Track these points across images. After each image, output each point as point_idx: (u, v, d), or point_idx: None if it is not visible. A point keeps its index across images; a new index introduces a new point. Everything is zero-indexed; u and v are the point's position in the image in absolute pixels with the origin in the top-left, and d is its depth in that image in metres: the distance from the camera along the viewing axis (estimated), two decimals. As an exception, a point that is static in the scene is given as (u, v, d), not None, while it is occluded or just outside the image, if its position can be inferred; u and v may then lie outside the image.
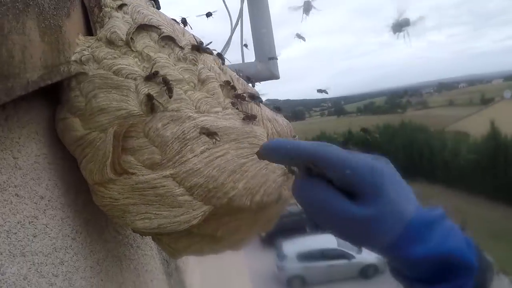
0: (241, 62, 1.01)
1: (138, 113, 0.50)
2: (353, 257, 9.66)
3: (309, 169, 0.42)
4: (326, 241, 10.18)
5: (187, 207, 0.52)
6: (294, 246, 9.93)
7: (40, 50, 0.44)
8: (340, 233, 0.42)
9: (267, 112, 0.61)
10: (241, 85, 0.61)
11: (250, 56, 1.02)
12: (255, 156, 0.52)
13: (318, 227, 0.45)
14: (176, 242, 0.58)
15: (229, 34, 1.00)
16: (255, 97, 0.60)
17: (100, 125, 0.51)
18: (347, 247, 9.90)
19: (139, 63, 0.54)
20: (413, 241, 0.40)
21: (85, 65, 0.52)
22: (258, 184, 0.55)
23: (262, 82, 0.94)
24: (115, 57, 0.53)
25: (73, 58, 0.52)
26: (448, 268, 0.40)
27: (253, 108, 0.58)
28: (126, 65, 0.52)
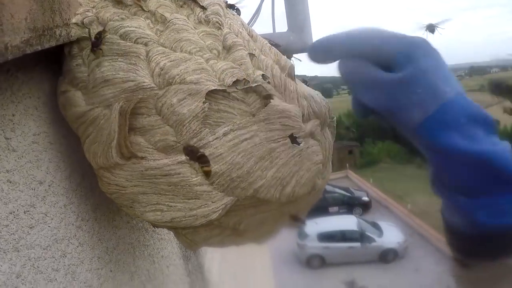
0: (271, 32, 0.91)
1: (148, 86, 0.42)
2: (373, 240, 9.67)
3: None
4: (347, 222, 10.21)
5: (206, 199, 0.44)
6: (315, 225, 10.01)
7: (25, 8, 0.36)
8: (375, 100, 0.42)
9: (303, 89, 0.53)
10: (273, 55, 0.52)
11: (281, 27, 0.92)
12: (288, 140, 0.47)
13: (361, 106, 0.46)
14: (194, 234, 0.51)
15: (259, 2, 0.91)
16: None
17: (104, 100, 0.43)
18: (368, 230, 9.90)
19: (151, 25, 0.46)
20: (448, 125, 0.38)
21: (88, 28, 0.44)
22: (289, 174, 0.47)
23: (295, 55, 0.84)
24: (123, 18, 0.45)
25: (73, 20, 0.44)
26: (488, 175, 0.37)
27: (287, 83, 0.49)
28: (136, 27, 0.44)
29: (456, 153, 0.37)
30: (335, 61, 0.46)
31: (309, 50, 0.47)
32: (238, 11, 0.58)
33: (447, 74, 0.40)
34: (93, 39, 0.43)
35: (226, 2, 0.53)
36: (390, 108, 0.41)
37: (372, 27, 0.44)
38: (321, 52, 0.46)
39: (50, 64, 0.49)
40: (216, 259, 1.41)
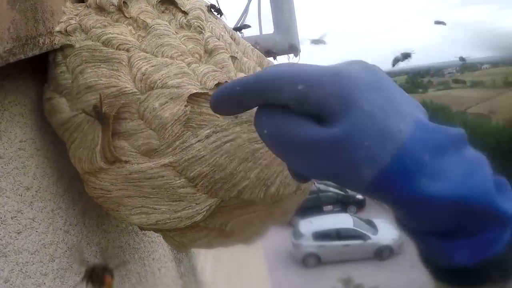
0: (258, 34, 0.92)
1: (130, 91, 0.43)
2: (368, 238, 9.67)
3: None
4: (342, 221, 10.21)
5: (189, 200, 0.45)
6: (310, 224, 9.98)
7: (8, 19, 0.37)
8: (310, 168, 0.32)
9: None
10: (256, 57, 0.53)
11: (268, 29, 0.93)
12: None
13: (297, 174, 0.36)
14: (181, 236, 0.51)
15: (246, 3, 0.91)
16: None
17: (87, 106, 0.43)
18: (363, 227, 9.91)
19: (133, 32, 0.46)
20: (409, 174, 0.29)
21: (71, 36, 0.45)
22: (273, 174, 0.48)
23: (281, 56, 0.85)
24: (105, 25, 0.45)
25: (57, 28, 0.45)
26: (468, 216, 0.30)
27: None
28: (118, 34, 0.45)
29: (424, 201, 0.29)
30: (244, 110, 0.35)
31: (212, 100, 0.35)
32: (219, 12, 0.57)
33: (398, 102, 0.31)
34: (94, 114, 0.43)
35: (208, 6, 0.53)
36: (331, 173, 0.31)
37: (289, 64, 0.33)
38: (226, 102, 0.35)
39: (36, 71, 0.49)
40: (210, 260, 1.40)
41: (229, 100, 0.34)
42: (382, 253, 9.61)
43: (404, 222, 0.33)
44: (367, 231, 9.81)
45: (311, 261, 9.86)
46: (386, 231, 9.85)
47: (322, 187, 12.70)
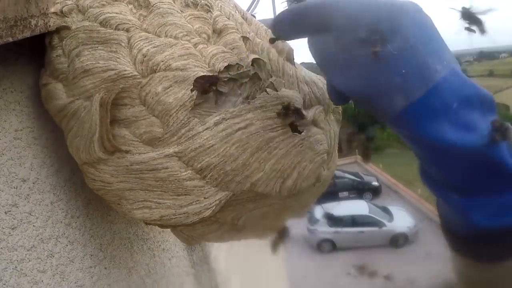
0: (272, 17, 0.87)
1: (130, 74, 0.39)
2: (384, 225, 9.65)
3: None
4: (358, 207, 10.20)
5: (197, 194, 0.41)
6: (325, 210, 9.99)
7: None
8: (349, 84, 0.35)
9: (304, 73, 0.49)
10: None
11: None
12: (288, 128, 0.43)
13: (334, 91, 0.38)
14: (191, 230, 0.48)
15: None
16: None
17: (84, 91, 0.40)
18: (378, 214, 9.87)
19: (134, 11, 0.42)
20: (436, 113, 0.30)
21: (67, 17, 0.41)
22: (290, 165, 0.43)
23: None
24: (103, 5, 0.42)
25: (52, 9, 0.41)
26: (486, 173, 0.31)
27: (286, 67, 0.45)
28: (116, 13, 0.41)
29: (445, 146, 0.30)
30: (304, 36, 0.38)
31: (273, 22, 0.38)
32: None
33: (440, 47, 0.32)
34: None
35: None
36: (367, 93, 0.33)
37: None
38: (287, 25, 0.37)
39: (35, 56, 0.47)
40: (223, 248, 1.38)
41: (291, 18, 0.36)
42: (397, 241, 9.60)
43: (426, 171, 0.35)
44: (383, 218, 9.79)
45: (326, 247, 9.92)
46: (402, 218, 9.82)
47: (338, 173, 12.68)
